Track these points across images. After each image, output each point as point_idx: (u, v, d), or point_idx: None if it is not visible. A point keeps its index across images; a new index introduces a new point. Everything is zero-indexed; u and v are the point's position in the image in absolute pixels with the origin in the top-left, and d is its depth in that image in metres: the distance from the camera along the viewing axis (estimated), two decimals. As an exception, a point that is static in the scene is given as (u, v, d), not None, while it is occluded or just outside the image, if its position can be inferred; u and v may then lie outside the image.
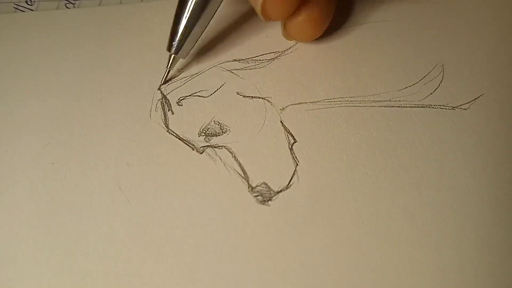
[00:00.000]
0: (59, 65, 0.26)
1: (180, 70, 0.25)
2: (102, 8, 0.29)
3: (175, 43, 0.23)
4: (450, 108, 0.23)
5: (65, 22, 0.28)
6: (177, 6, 0.22)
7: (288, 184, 0.21)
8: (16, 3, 0.30)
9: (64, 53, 0.27)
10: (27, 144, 0.23)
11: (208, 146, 0.22)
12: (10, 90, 0.25)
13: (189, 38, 0.23)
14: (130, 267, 0.19)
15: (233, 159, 0.22)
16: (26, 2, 0.30)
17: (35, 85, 0.25)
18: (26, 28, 0.28)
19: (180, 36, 0.23)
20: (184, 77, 0.25)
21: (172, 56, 0.23)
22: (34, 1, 0.30)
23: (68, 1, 0.30)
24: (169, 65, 0.24)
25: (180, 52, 0.23)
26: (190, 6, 0.22)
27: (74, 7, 0.30)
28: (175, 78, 0.25)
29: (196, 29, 0.23)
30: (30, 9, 0.30)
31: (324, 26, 0.24)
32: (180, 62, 0.25)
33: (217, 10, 0.23)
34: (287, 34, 0.24)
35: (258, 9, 0.21)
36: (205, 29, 0.23)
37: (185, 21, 0.22)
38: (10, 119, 0.24)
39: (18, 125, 0.24)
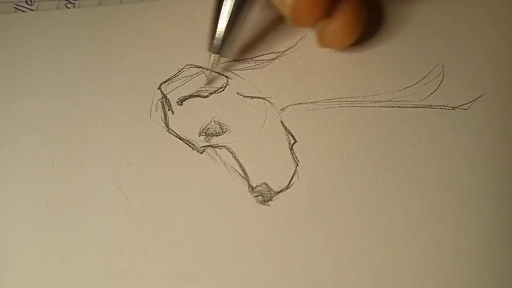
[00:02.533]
0: (59, 65, 0.26)
1: (181, 70, 0.25)
2: (102, 8, 0.29)
3: (216, 43, 0.23)
4: (451, 108, 0.23)
5: (65, 22, 0.28)
6: (214, 7, 0.22)
7: (288, 184, 0.21)
8: (16, 3, 0.30)
9: (64, 53, 0.27)
10: (27, 144, 0.23)
11: (208, 146, 0.22)
12: (10, 90, 0.25)
13: (229, 36, 0.23)
14: (130, 267, 0.19)
15: (234, 159, 0.22)
16: (26, 2, 0.30)
17: (35, 85, 0.25)
18: (26, 28, 0.28)
19: (220, 35, 0.22)
20: (185, 77, 0.25)
21: (212, 56, 0.23)
22: (34, 1, 0.30)
23: (68, 1, 0.30)
24: (210, 65, 0.24)
25: (221, 52, 0.23)
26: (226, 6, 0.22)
27: (74, 7, 0.30)
28: (176, 77, 0.25)
29: (235, 28, 0.22)
30: (30, 9, 0.30)
31: (357, 31, 0.23)
32: (180, 62, 0.25)
33: (250, 9, 0.23)
34: (321, 42, 0.24)
35: (287, 13, 0.21)
36: (241, 27, 0.23)
37: (225, 20, 0.22)
38: (10, 119, 0.24)
39: (18, 125, 0.24)
